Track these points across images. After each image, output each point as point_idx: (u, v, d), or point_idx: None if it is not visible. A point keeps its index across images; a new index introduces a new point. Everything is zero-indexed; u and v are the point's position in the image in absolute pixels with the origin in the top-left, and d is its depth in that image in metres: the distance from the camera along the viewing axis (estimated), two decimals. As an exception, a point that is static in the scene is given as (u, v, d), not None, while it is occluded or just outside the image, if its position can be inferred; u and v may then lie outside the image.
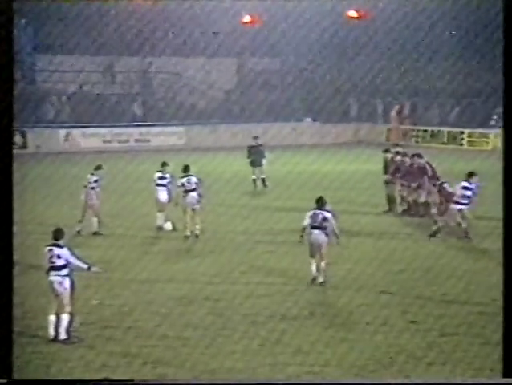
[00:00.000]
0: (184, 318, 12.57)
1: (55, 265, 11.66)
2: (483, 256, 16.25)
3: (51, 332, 11.53)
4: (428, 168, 19.93)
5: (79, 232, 18.08)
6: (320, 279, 14.17)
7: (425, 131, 40.22)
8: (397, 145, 22.80)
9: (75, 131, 37.43)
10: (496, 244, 17.11)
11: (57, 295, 11.62)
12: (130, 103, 40.89)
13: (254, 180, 25.13)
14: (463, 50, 35.99)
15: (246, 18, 40.83)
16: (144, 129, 38.72)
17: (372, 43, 38.40)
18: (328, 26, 37.45)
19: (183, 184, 17.93)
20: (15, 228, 9.67)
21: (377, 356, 10.92)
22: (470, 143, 38.55)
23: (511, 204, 7.89)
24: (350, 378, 10.31)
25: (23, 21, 36.66)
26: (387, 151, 21.88)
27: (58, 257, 11.66)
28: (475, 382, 9.83)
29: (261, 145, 25.63)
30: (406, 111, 42.07)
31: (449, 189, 18.27)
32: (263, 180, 25.13)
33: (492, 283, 14.27)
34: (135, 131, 38.60)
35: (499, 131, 37.96)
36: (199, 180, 18.04)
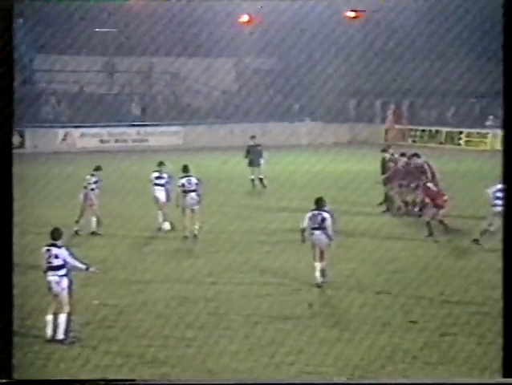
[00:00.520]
0: (182, 318, 12.55)
1: (53, 265, 11.63)
2: (482, 256, 16.22)
3: (49, 332, 11.50)
4: (426, 167, 19.92)
5: (76, 232, 18.04)
6: (323, 279, 14.15)
7: (423, 131, 40.25)
8: (390, 146, 22.72)
9: (73, 131, 37.40)
10: (495, 244, 17.13)
11: (55, 295, 11.59)
12: (128, 102, 40.87)
13: (253, 180, 25.11)
14: (461, 50, 36.01)
15: (244, 18, 40.82)
16: (141, 129, 38.70)
17: (370, 43, 38.40)
18: (326, 26, 37.45)
19: (183, 185, 17.90)
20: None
21: (376, 356, 10.90)
22: (468, 143, 38.58)
23: (511, 204, 7.86)
24: (349, 378, 10.29)
25: (21, 20, 36.60)
26: (384, 150, 21.88)
27: (56, 257, 11.63)
28: (475, 383, 9.80)
29: (259, 145, 25.61)
30: (403, 111, 42.12)
31: (434, 189, 18.24)
32: (261, 180, 25.11)
33: (491, 283, 14.26)
34: (133, 131, 38.58)
35: (497, 131, 38.07)
36: (199, 180, 18.02)
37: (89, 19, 35.53)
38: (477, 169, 24.78)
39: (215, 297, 13.61)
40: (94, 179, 18.40)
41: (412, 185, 20.40)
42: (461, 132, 39.03)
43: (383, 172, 21.21)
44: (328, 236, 14.07)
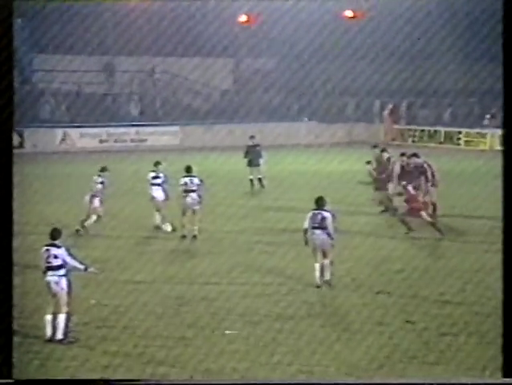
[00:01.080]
0: (181, 318, 12.55)
1: (52, 265, 11.62)
2: (481, 256, 16.23)
3: (48, 332, 11.49)
4: (426, 167, 19.91)
5: (77, 231, 18.02)
6: (327, 277, 14.13)
7: (422, 130, 40.26)
8: (377, 146, 22.71)
9: (72, 131, 37.40)
10: (494, 244, 17.15)
11: (54, 295, 11.58)
12: (126, 102, 40.86)
13: (252, 180, 25.10)
14: (460, 50, 36.01)
15: (243, 18, 40.81)
16: (140, 129, 38.70)
17: (369, 43, 38.40)
18: (325, 26, 37.44)
19: (185, 184, 17.89)
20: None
21: (374, 356, 10.90)
22: (467, 142, 38.60)
23: (511, 204, 7.86)
24: (346, 377, 10.30)
25: (19, 20, 36.57)
26: (382, 150, 21.79)
27: (55, 257, 11.62)
28: (475, 383, 9.80)
29: (258, 145, 25.59)
30: (402, 111, 42.13)
31: (412, 192, 18.21)
32: (260, 180, 25.10)
33: (489, 283, 14.26)
34: (131, 131, 38.57)
35: (496, 131, 38.09)
36: (201, 181, 17.99)
37: (88, 19, 35.53)
38: (476, 169, 24.79)
39: (214, 297, 13.60)
40: (100, 180, 18.36)
41: (412, 185, 20.37)
42: (459, 132, 39.05)
43: (380, 172, 21.22)
44: (329, 235, 14.06)
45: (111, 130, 38.05)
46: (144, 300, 13.45)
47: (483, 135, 38.31)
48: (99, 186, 18.31)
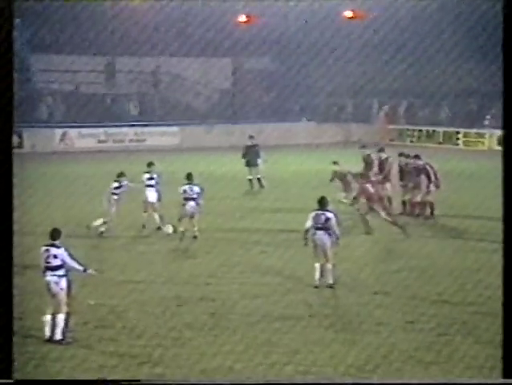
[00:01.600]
0: (179, 318, 12.55)
1: (52, 265, 11.62)
2: (479, 256, 16.24)
3: (47, 332, 11.49)
4: (429, 169, 19.94)
5: (102, 232, 18.01)
6: (329, 281, 14.07)
7: (420, 131, 40.28)
8: (365, 146, 22.72)
9: (71, 131, 37.38)
10: (493, 244, 17.17)
11: (53, 295, 11.58)
12: (126, 103, 40.84)
13: (250, 180, 25.11)
14: (459, 51, 36.01)
15: (242, 18, 40.81)
16: (139, 129, 38.68)
17: (368, 44, 38.41)
18: (324, 27, 37.45)
19: (184, 191, 17.85)
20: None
21: (372, 356, 10.91)
22: (466, 143, 38.62)
23: (511, 204, 7.88)
24: (345, 378, 10.30)
25: (18, 20, 36.56)
26: (379, 150, 21.76)
27: (55, 257, 11.62)
28: (475, 383, 9.79)
29: (256, 145, 25.60)
30: (400, 111, 42.17)
31: (371, 190, 18.22)
32: (259, 180, 25.11)
33: (488, 283, 14.28)
34: (130, 132, 38.56)
35: (495, 131, 38.11)
36: (201, 189, 17.93)
37: (86, 20, 35.53)
38: (475, 169, 24.82)
39: (212, 298, 13.60)
40: (116, 184, 18.31)
41: (410, 185, 20.43)
42: (458, 132, 39.07)
43: (366, 172, 21.29)
44: (332, 235, 14.00)
45: (110, 130, 38.04)
46: (142, 300, 13.45)
47: (482, 136, 38.33)
48: (115, 190, 18.29)
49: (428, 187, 19.92)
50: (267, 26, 39.78)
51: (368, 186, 18.10)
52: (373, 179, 18.85)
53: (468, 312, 12.80)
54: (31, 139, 35.61)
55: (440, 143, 38.63)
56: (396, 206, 20.62)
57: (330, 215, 14.04)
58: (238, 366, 10.63)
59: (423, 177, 19.97)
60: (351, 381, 10.21)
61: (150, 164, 19.16)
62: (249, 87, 42.44)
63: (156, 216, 18.78)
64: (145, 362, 10.78)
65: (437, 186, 19.83)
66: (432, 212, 19.92)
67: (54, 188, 22.84)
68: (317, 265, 14.11)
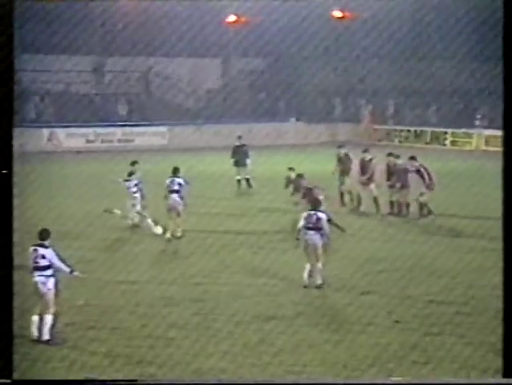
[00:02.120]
0: (168, 318, 12.54)
1: (39, 265, 11.59)
2: (466, 255, 16.31)
3: (34, 333, 11.46)
4: (423, 171, 20.03)
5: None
6: (318, 281, 14.09)
7: (408, 131, 40.40)
8: (343, 146, 22.79)
9: (59, 131, 37.28)
10: (480, 243, 17.26)
11: (41, 296, 11.55)
12: (114, 102, 40.77)
13: (239, 181, 25.11)
14: (447, 51, 36.15)
15: (231, 18, 40.81)
16: (127, 129, 38.61)
17: (357, 44, 38.49)
18: (313, 27, 37.49)
19: (167, 184, 17.90)
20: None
21: (362, 356, 10.94)
22: (453, 143, 38.76)
23: (511, 204, 7.91)
24: (334, 378, 10.33)
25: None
26: (362, 150, 21.79)
27: (43, 257, 11.59)
28: (475, 383, 9.79)
29: (245, 145, 25.61)
30: (389, 111, 42.30)
31: (317, 195, 18.02)
32: (247, 181, 25.12)
33: (474, 282, 14.35)
34: (119, 131, 38.48)
35: (483, 131, 38.27)
36: (185, 182, 17.91)
37: (75, 19, 35.41)
38: (462, 169, 24.91)
39: (202, 298, 13.60)
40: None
41: (398, 186, 20.49)
42: (446, 132, 39.21)
43: (342, 172, 21.39)
44: (323, 236, 14.02)
45: (99, 130, 37.95)
46: (132, 301, 13.44)
47: (469, 136, 38.48)
48: (134, 188, 18.26)
49: (422, 188, 20.00)
50: (257, 27, 39.80)
51: (317, 191, 18.24)
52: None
53: (454, 312, 12.85)
54: (19, 139, 35.41)
55: (427, 143, 38.75)
56: (384, 206, 20.71)
57: (321, 215, 14.08)
58: (228, 366, 10.63)
59: (416, 178, 20.05)
60: (340, 381, 10.24)
61: (134, 163, 19.14)
62: (238, 88, 42.44)
63: (133, 215, 18.69)
64: (136, 363, 10.76)
65: (431, 188, 19.93)
66: (429, 212, 19.95)
67: (41, 188, 22.75)
68: (307, 265, 14.13)
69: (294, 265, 14.67)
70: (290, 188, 19.45)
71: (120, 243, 17.76)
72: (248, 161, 25.05)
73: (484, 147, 37.14)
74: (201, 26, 37.55)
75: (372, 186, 20.75)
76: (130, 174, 18.91)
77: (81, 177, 22.99)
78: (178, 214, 17.77)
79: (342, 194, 21.49)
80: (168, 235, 17.68)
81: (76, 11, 35.59)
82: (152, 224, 18.31)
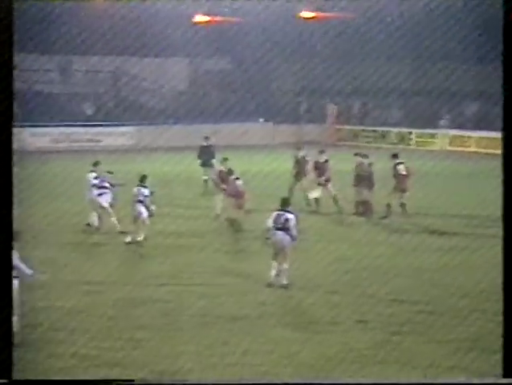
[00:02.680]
0: (133, 319, 12.45)
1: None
2: (432, 254, 16.43)
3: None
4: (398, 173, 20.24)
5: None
6: (284, 281, 14.09)
7: (374, 131, 40.65)
8: (301, 147, 22.96)
9: (24, 131, 36.87)
10: (448, 241, 17.40)
11: None
12: (80, 102, 40.45)
13: (205, 181, 25.04)
14: (414, 51, 36.44)
15: (198, 18, 40.72)
16: (94, 129, 38.33)
17: (323, 44, 38.64)
18: (281, 27, 37.56)
19: (134, 193, 17.67)
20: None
21: (327, 355, 10.94)
22: (418, 143, 39.07)
23: (511, 204, 7.93)
24: (300, 377, 10.32)
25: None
26: (319, 151, 21.90)
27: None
28: (475, 383, 9.79)
29: (211, 145, 25.55)
30: (355, 112, 42.57)
31: (240, 188, 18.57)
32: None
33: (439, 281, 14.46)
34: (85, 132, 38.18)
35: (447, 131, 38.64)
36: (151, 192, 17.68)
37: (43, 17, 35.08)
38: (427, 169, 25.11)
39: (167, 299, 13.53)
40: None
41: (364, 185, 20.58)
42: (411, 133, 39.52)
43: (297, 174, 21.57)
44: (291, 236, 14.04)
45: (64, 130, 37.61)
46: (96, 302, 13.32)
47: (434, 136, 38.83)
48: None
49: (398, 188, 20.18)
50: (223, 27, 39.77)
51: (239, 183, 18.65)
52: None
53: (419, 311, 12.93)
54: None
55: (393, 143, 38.99)
56: (348, 206, 20.76)
57: (290, 216, 14.09)
58: (194, 367, 10.57)
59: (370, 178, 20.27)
60: (305, 381, 10.23)
61: (96, 164, 18.97)
62: (205, 87, 42.36)
63: (96, 216, 18.53)
64: (101, 364, 10.66)
65: (404, 190, 20.09)
66: (404, 212, 20.12)
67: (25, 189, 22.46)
68: (274, 264, 14.13)
69: (261, 265, 14.66)
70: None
71: (84, 244, 17.60)
72: (214, 161, 25.00)
73: (448, 148, 37.51)
74: (168, 26, 37.42)
75: (329, 186, 20.93)
76: (95, 178, 18.69)
77: (45, 178, 22.74)
78: (143, 222, 17.64)
79: (291, 195, 21.59)
80: (128, 239, 17.48)
81: (43, 10, 35.25)
82: (116, 222, 18.19)
